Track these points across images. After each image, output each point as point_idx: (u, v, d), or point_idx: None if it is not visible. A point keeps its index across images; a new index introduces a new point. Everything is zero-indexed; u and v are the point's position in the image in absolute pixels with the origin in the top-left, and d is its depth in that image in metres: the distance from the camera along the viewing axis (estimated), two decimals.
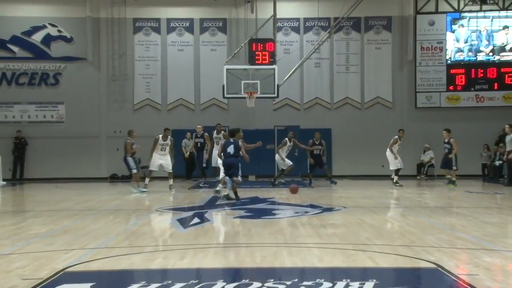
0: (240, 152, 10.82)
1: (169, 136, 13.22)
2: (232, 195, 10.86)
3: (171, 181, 13.16)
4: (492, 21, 17.82)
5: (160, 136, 13.02)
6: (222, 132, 14.65)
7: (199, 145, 15.32)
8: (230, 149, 10.74)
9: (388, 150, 14.23)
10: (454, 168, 14.29)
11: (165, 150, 13.05)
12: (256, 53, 16.34)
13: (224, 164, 10.91)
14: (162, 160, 13.02)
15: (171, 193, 12.75)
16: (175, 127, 17.58)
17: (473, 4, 17.86)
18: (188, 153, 15.63)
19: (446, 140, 14.22)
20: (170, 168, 13.13)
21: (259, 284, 4.14)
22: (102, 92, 18.39)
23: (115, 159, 17.66)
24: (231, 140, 10.79)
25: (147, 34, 18.51)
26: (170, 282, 4.27)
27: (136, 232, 7.23)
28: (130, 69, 18.31)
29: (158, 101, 18.36)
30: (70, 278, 4.54)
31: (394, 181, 14.15)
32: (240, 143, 10.87)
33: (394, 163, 14.22)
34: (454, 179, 14.05)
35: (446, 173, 14.41)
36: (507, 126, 14.21)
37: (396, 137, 14.30)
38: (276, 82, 16.04)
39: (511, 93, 17.87)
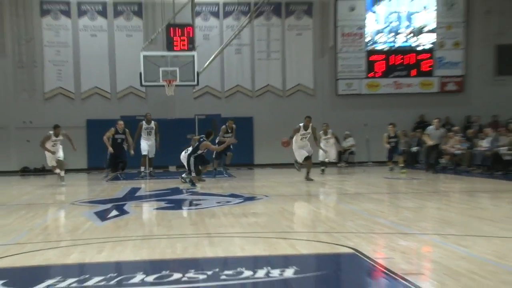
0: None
1: (60, 133, 13.33)
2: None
3: (61, 172, 13.23)
4: (412, 1, 18.45)
5: (51, 132, 13.20)
6: (153, 121, 14.99)
7: (119, 141, 15.00)
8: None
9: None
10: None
11: (56, 146, 13.32)
12: (174, 38, 16.50)
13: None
14: (55, 154, 13.27)
15: (60, 185, 12.91)
16: (91, 117, 17.92)
17: None
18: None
19: (392, 135, 14.73)
20: (62, 156, 13.29)
21: (180, 275, 4.32)
22: (8, 80, 17.79)
23: (26, 152, 17.68)
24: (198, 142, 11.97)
25: (56, 18, 17.92)
26: (87, 276, 4.41)
27: (50, 227, 7.39)
28: (39, 55, 17.76)
29: (71, 89, 17.98)
30: None
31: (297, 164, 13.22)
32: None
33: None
34: (402, 165, 14.65)
35: (390, 163, 15.01)
36: (436, 120, 14.64)
37: (299, 125, 12.52)
38: (196, 69, 16.15)
39: (427, 80, 18.63)
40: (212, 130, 12.54)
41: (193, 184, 11.65)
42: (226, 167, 14.96)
